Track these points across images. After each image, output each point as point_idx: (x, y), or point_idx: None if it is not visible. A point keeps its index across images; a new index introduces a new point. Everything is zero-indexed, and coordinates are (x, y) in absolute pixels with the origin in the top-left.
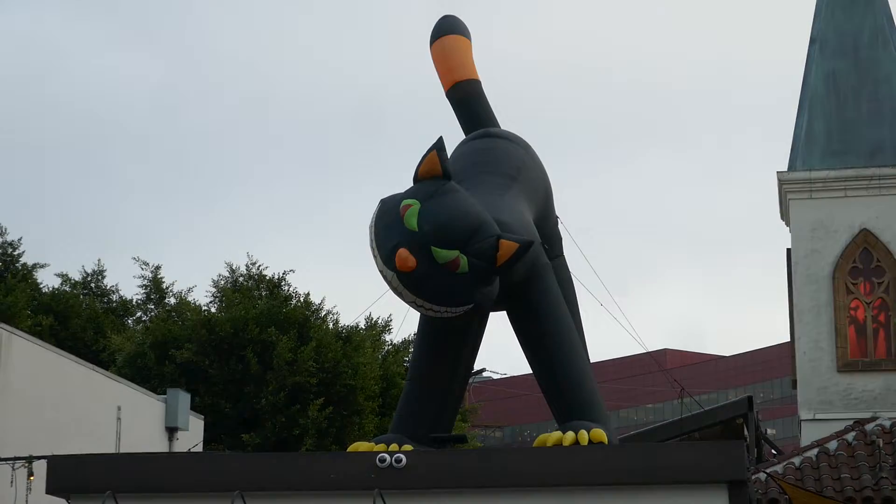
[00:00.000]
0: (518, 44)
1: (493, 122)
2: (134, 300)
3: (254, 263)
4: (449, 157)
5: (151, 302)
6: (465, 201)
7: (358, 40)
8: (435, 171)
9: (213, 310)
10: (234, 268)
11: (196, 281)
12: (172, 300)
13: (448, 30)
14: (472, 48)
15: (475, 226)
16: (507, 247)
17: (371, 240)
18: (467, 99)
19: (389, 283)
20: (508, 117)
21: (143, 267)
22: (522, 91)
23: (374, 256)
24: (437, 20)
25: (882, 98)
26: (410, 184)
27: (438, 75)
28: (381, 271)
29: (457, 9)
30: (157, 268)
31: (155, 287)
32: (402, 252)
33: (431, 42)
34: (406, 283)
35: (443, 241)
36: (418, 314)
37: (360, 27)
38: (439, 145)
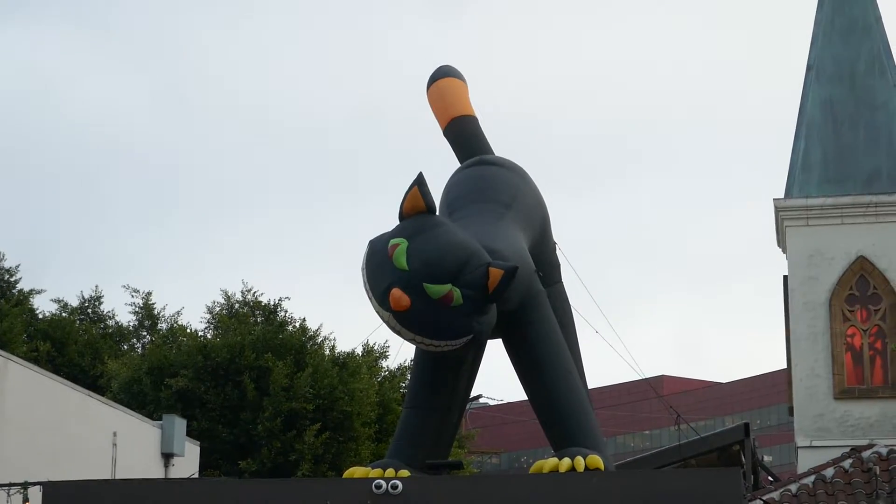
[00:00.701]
0: (509, 65)
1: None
2: (129, 325)
3: (249, 290)
4: (445, 184)
5: (144, 328)
6: (453, 234)
7: (355, 63)
8: (419, 207)
9: (208, 336)
10: (229, 294)
11: (191, 307)
12: (165, 325)
13: (443, 74)
14: (469, 91)
15: (464, 258)
16: (495, 274)
17: (364, 282)
18: (464, 135)
19: (387, 323)
20: (498, 138)
21: (134, 294)
22: (512, 113)
23: (370, 299)
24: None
25: (879, 125)
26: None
27: (435, 115)
28: (377, 312)
29: (454, 12)
30: (149, 294)
31: (147, 313)
32: (395, 292)
33: (428, 87)
34: (403, 323)
35: (434, 276)
36: None
37: (356, 50)
38: (420, 180)
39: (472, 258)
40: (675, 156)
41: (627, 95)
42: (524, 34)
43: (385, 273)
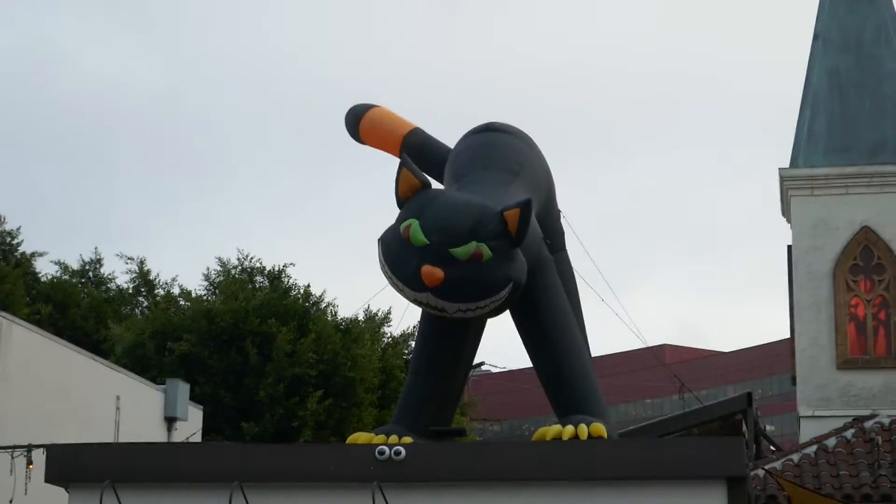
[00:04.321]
0: (513, 42)
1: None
2: (128, 289)
3: (246, 257)
4: (451, 152)
5: (141, 294)
6: (457, 197)
7: (355, 33)
8: (414, 185)
9: (211, 300)
10: (224, 261)
11: (187, 275)
12: (161, 292)
13: (360, 111)
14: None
15: (477, 214)
16: (512, 215)
17: (389, 276)
18: (421, 145)
19: (427, 304)
20: (505, 114)
21: (129, 261)
22: (517, 89)
23: (401, 290)
24: (344, 122)
25: (885, 95)
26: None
27: (384, 147)
28: (415, 301)
29: (456, 7)
30: (143, 261)
31: (143, 280)
32: (426, 269)
33: (357, 131)
34: (443, 296)
35: (456, 240)
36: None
37: (357, 20)
38: (404, 160)
39: (485, 212)
40: (679, 125)
41: (631, 65)
42: (526, 4)
43: (408, 256)
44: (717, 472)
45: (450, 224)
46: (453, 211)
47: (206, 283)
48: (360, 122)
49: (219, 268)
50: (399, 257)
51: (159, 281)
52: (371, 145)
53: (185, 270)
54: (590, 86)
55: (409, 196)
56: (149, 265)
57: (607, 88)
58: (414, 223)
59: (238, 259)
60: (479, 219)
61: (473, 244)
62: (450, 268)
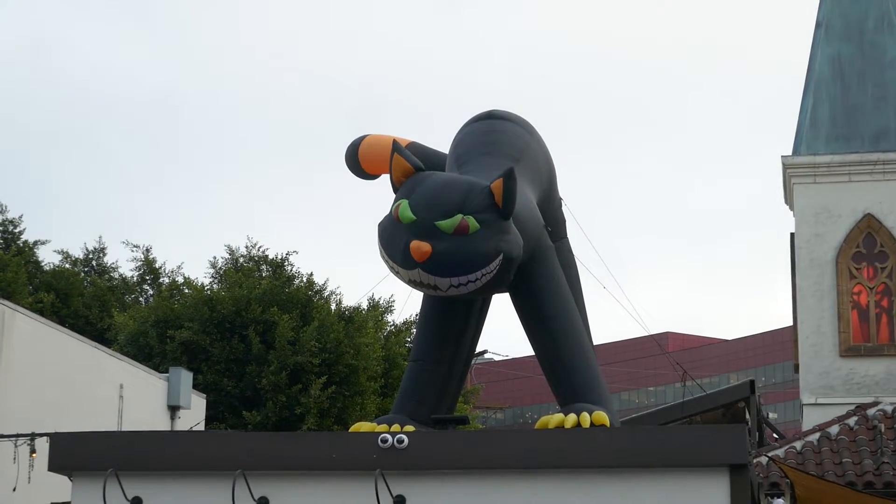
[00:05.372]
0: (514, 28)
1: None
2: (134, 277)
3: (254, 245)
4: (453, 138)
5: (146, 283)
6: (445, 176)
7: (358, 28)
8: (407, 170)
9: (214, 289)
10: (233, 248)
11: (192, 263)
12: (166, 280)
13: (356, 143)
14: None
15: (465, 188)
16: (497, 186)
17: (385, 260)
18: (421, 154)
19: (420, 282)
20: (508, 101)
21: (134, 249)
22: (519, 77)
23: (396, 272)
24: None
25: (887, 83)
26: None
27: (387, 167)
28: (410, 281)
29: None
30: (148, 249)
31: (148, 268)
32: (414, 243)
33: (358, 162)
34: (433, 270)
35: (441, 213)
36: (422, 294)
37: (360, 16)
38: (396, 147)
39: (473, 187)
40: (682, 113)
41: (634, 53)
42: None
43: (398, 235)
44: (720, 459)
45: (437, 199)
46: (441, 187)
47: (212, 272)
48: (359, 154)
49: (227, 255)
50: (391, 237)
51: (165, 269)
52: (375, 172)
53: (192, 259)
54: (592, 73)
55: (403, 181)
56: (154, 253)
57: (610, 75)
58: (403, 202)
59: (246, 248)
60: (466, 193)
61: (459, 216)
62: (437, 241)
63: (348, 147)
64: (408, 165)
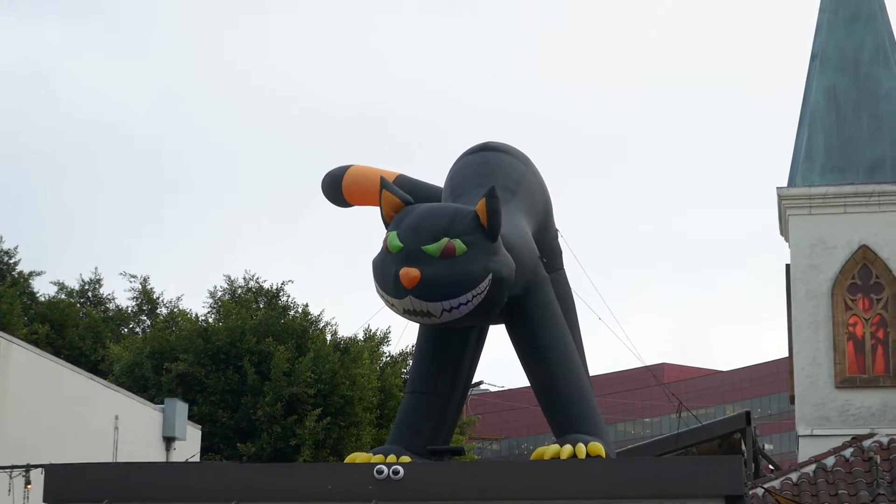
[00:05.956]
0: (508, 59)
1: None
2: (129, 309)
3: (252, 276)
4: (448, 170)
5: (144, 313)
6: (432, 205)
7: (356, 49)
8: (396, 205)
9: (210, 320)
10: (231, 279)
11: (190, 294)
12: (164, 311)
13: (339, 174)
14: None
15: (450, 214)
16: (481, 206)
17: (379, 293)
18: (410, 188)
19: (414, 311)
20: (503, 133)
21: (132, 279)
22: (514, 109)
23: (390, 304)
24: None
25: (882, 115)
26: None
27: (373, 201)
28: (403, 312)
29: (456, 9)
30: (146, 279)
31: (146, 298)
32: (402, 270)
33: (340, 193)
34: (424, 296)
35: (427, 237)
36: (417, 326)
37: (356, 36)
38: (384, 184)
39: (458, 211)
40: (677, 144)
41: (630, 83)
42: (520, 25)
43: (388, 265)
44: (716, 490)
45: (422, 225)
46: (427, 215)
47: (210, 302)
48: (342, 184)
49: (226, 285)
50: (382, 269)
51: (163, 300)
52: (357, 204)
53: (191, 289)
54: (587, 103)
55: (394, 216)
56: (152, 283)
57: (605, 105)
58: (392, 234)
59: (244, 279)
60: (452, 218)
61: (445, 240)
62: (425, 266)
63: (328, 175)
64: (397, 200)
